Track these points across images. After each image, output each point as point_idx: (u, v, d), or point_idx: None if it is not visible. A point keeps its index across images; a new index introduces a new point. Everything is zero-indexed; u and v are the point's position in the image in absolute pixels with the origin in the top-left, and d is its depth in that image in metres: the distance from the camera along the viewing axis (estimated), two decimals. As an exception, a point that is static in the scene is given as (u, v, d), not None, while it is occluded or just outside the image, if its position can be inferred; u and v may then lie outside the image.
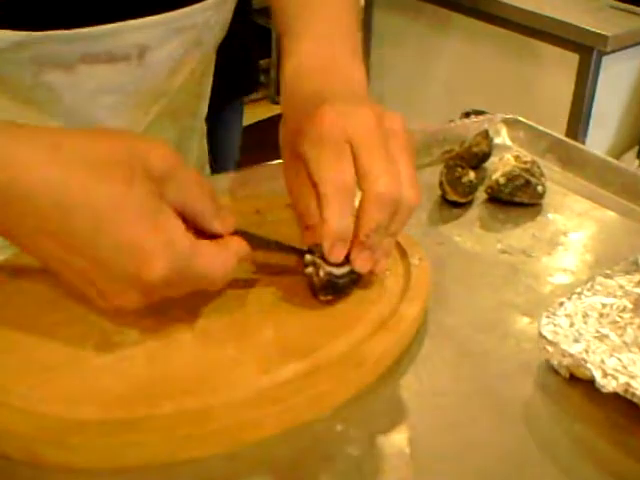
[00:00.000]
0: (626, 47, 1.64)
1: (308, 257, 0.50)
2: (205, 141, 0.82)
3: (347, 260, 0.50)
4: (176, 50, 0.64)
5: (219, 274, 0.46)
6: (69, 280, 0.45)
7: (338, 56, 0.60)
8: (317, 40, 0.61)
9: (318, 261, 0.50)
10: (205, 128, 0.81)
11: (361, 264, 0.50)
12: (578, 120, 1.65)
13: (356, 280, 0.52)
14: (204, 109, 0.79)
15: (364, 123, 0.50)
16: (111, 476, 0.42)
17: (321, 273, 0.50)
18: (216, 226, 0.48)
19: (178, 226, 0.44)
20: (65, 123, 0.60)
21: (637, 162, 1.63)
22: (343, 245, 0.49)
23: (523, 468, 0.44)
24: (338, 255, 0.49)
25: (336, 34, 0.62)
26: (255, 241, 0.51)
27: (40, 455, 0.41)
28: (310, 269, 0.51)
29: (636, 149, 1.67)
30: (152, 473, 0.42)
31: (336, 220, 0.48)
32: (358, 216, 0.49)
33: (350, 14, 0.65)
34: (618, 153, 1.74)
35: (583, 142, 1.63)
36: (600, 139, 1.71)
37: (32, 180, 0.41)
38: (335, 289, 0.51)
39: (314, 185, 0.50)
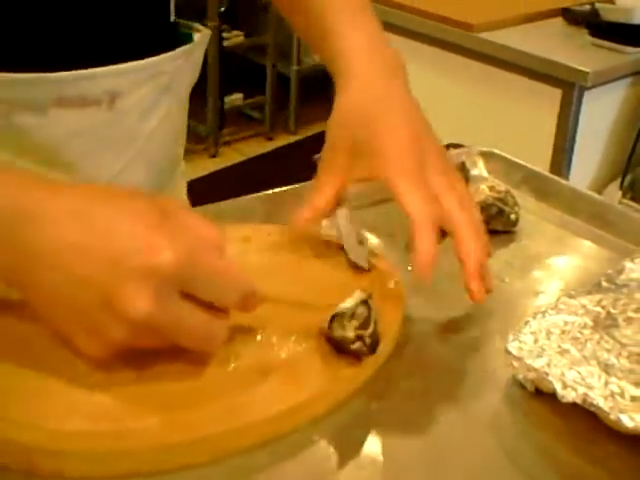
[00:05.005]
0: (607, 82, 1.69)
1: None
2: (185, 182, 0.82)
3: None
4: (146, 96, 0.65)
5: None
6: (66, 317, 0.47)
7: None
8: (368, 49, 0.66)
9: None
10: (184, 170, 0.82)
11: (481, 296, 0.57)
12: (562, 153, 1.68)
13: None
14: (181, 152, 0.80)
15: (439, 156, 0.61)
16: (102, 484, 0.44)
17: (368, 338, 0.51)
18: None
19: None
20: (34, 164, 0.61)
21: (620, 193, 1.67)
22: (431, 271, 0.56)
23: (491, 477, 0.47)
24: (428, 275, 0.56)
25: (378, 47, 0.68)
26: None
27: (36, 465, 0.44)
28: (358, 344, 0.51)
29: (619, 181, 1.70)
30: (140, 480, 0.44)
31: (432, 250, 0.56)
32: (465, 251, 0.58)
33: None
34: (602, 185, 1.77)
35: (567, 175, 1.67)
36: (584, 172, 1.75)
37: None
38: (376, 349, 0.52)
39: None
